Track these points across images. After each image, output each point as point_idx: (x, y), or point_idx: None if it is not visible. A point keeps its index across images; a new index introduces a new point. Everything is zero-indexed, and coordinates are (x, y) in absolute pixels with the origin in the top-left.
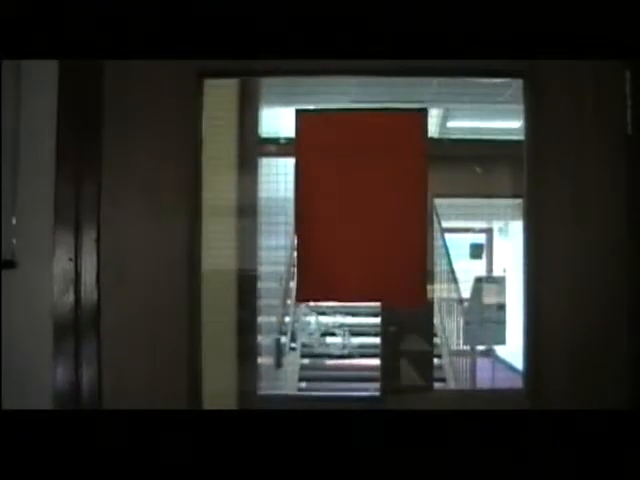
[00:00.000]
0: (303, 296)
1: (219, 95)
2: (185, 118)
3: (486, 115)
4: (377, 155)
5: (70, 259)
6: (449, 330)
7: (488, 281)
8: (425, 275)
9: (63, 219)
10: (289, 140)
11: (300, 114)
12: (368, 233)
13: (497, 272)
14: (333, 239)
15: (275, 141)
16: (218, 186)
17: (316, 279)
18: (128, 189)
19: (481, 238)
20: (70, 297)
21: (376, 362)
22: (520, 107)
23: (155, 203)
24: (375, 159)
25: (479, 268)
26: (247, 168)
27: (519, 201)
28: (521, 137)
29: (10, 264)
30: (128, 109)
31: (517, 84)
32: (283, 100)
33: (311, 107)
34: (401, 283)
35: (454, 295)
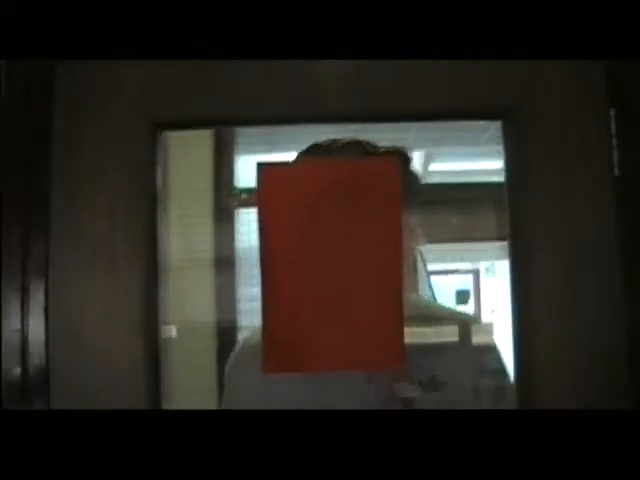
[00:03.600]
0: (270, 368)
1: (192, 145)
2: (141, 171)
3: (468, 157)
4: (348, 206)
5: (16, 330)
6: None
7: (476, 329)
8: (402, 334)
9: (9, 288)
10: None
11: (262, 167)
12: (339, 293)
13: (485, 315)
14: (301, 302)
15: (252, 191)
16: (193, 238)
17: (284, 348)
18: (79, 251)
19: (468, 279)
20: (17, 370)
21: None
22: (500, 148)
23: (109, 262)
24: (346, 210)
25: (468, 310)
26: (223, 219)
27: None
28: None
29: None
30: (78, 164)
31: (496, 126)
32: (261, 149)
33: (288, 155)
34: (377, 346)
35: None
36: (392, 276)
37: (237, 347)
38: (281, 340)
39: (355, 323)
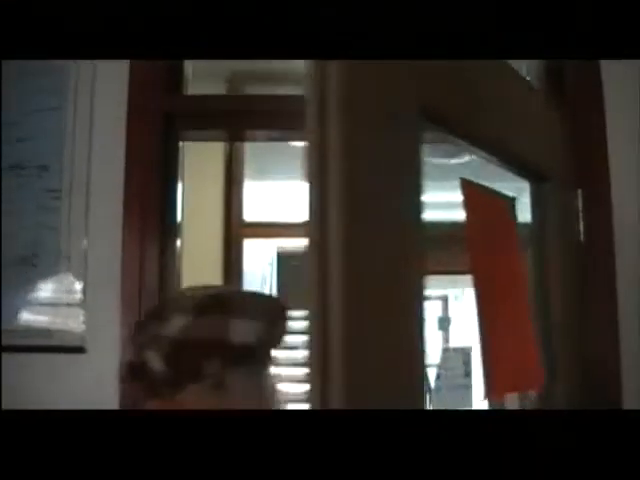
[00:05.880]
0: (497, 391)
1: (203, 172)
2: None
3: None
4: (497, 238)
5: None
6: None
7: (455, 351)
8: (539, 355)
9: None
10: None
11: (465, 184)
12: (508, 316)
13: (458, 339)
14: (511, 324)
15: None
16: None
17: (508, 369)
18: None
19: (437, 305)
20: None
21: None
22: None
23: None
24: (496, 242)
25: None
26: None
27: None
28: None
29: (79, 350)
30: None
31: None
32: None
33: None
34: (523, 369)
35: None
36: (524, 302)
37: None
38: (504, 362)
39: (512, 348)
